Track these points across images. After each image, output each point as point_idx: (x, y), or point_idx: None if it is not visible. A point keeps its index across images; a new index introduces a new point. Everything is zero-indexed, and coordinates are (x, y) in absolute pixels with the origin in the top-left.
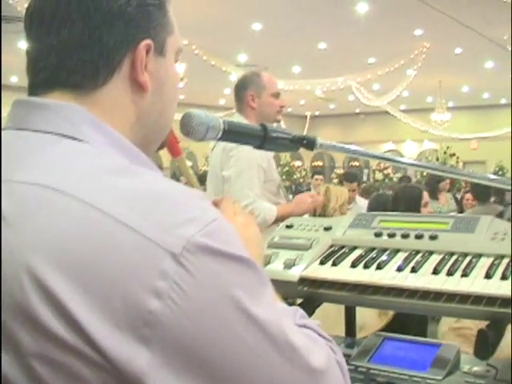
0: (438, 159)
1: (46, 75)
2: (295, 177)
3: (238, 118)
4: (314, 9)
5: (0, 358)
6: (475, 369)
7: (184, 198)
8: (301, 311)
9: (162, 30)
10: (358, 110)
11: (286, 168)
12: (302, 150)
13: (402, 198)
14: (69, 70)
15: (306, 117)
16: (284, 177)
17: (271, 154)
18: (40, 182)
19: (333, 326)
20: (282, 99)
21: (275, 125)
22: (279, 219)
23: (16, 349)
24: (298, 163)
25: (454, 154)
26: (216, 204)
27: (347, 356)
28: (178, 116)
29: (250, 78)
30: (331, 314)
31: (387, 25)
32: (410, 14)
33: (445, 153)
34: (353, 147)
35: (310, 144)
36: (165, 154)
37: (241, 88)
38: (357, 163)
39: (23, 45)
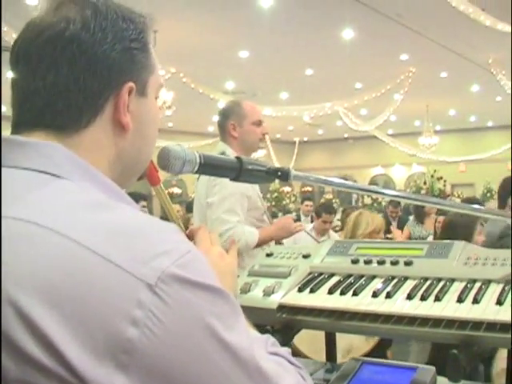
0: (425, 183)
1: (31, 116)
2: (284, 202)
3: (222, 147)
4: (300, 36)
5: None
6: None
7: (159, 231)
8: (272, 339)
9: (144, 71)
10: (346, 135)
11: (276, 194)
12: None
13: (459, 225)
14: (53, 113)
15: (294, 143)
16: (273, 203)
17: None
18: (24, 217)
19: (320, 350)
20: (264, 127)
21: (258, 154)
22: (261, 243)
23: (2, 375)
24: (287, 189)
25: (441, 178)
26: (193, 233)
27: (326, 381)
28: (163, 143)
29: (231, 107)
30: (319, 337)
31: (373, 50)
32: (395, 40)
33: (432, 176)
34: (326, 178)
35: (284, 176)
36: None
37: (222, 118)
38: None
39: (11, 75)
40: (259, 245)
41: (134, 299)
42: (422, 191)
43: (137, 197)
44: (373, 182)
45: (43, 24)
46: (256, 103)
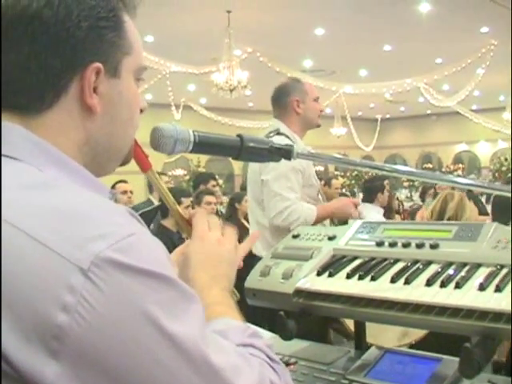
0: (506, 159)
1: None
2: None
3: (276, 124)
4: (375, 11)
5: None
6: None
7: (100, 214)
8: (252, 329)
9: (116, 51)
10: (429, 112)
11: (355, 172)
12: (372, 154)
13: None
14: (15, 93)
15: (376, 120)
16: (353, 181)
17: None
18: None
19: (379, 333)
20: (320, 104)
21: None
22: (319, 220)
23: None
24: None
25: None
26: (190, 218)
27: (345, 370)
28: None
29: (292, 84)
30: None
31: (452, 23)
32: (474, 12)
33: None
34: (334, 156)
35: (287, 154)
36: (236, 162)
37: (283, 94)
38: (430, 165)
39: None
40: (316, 222)
41: (65, 284)
42: (503, 167)
43: (206, 177)
44: (457, 159)
45: (9, 1)
46: (335, 81)
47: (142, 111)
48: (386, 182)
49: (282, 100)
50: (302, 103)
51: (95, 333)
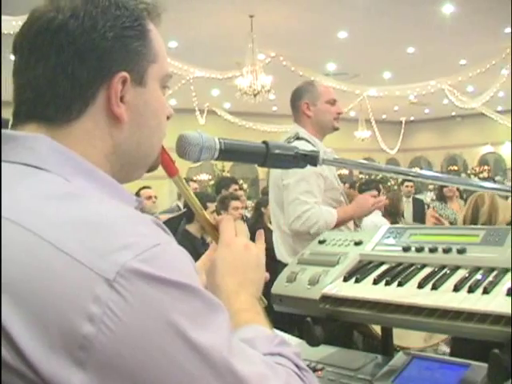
0: None
1: (25, 108)
2: (389, 184)
3: (295, 128)
4: (398, 13)
5: None
6: None
7: (125, 224)
8: (280, 338)
9: (141, 59)
10: (453, 113)
11: (380, 176)
12: (397, 157)
13: None
14: (43, 104)
15: (401, 123)
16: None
17: None
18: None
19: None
20: (338, 106)
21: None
22: (340, 222)
23: None
24: None
25: None
26: (216, 224)
27: (373, 375)
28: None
29: (304, 87)
30: None
31: (475, 24)
32: (497, 12)
33: None
34: (359, 161)
35: (312, 160)
36: None
37: (296, 98)
38: (455, 167)
39: None
40: (338, 224)
41: (91, 295)
42: None
43: (227, 181)
44: (482, 160)
45: (36, 15)
46: (359, 84)
47: (168, 118)
48: (385, 183)
49: (295, 104)
50: (313, 106)
51: (121, 343)
